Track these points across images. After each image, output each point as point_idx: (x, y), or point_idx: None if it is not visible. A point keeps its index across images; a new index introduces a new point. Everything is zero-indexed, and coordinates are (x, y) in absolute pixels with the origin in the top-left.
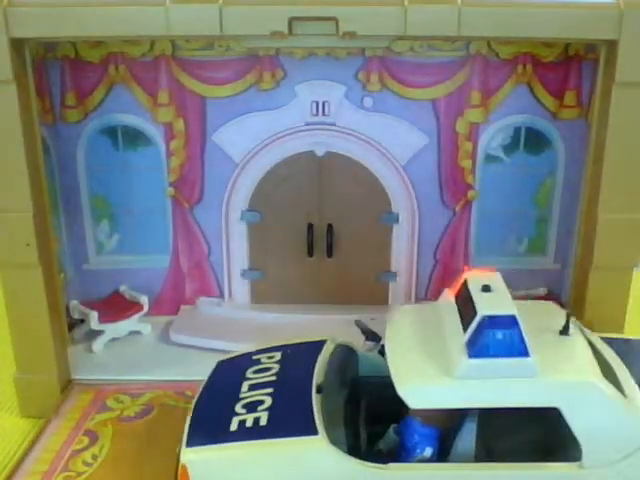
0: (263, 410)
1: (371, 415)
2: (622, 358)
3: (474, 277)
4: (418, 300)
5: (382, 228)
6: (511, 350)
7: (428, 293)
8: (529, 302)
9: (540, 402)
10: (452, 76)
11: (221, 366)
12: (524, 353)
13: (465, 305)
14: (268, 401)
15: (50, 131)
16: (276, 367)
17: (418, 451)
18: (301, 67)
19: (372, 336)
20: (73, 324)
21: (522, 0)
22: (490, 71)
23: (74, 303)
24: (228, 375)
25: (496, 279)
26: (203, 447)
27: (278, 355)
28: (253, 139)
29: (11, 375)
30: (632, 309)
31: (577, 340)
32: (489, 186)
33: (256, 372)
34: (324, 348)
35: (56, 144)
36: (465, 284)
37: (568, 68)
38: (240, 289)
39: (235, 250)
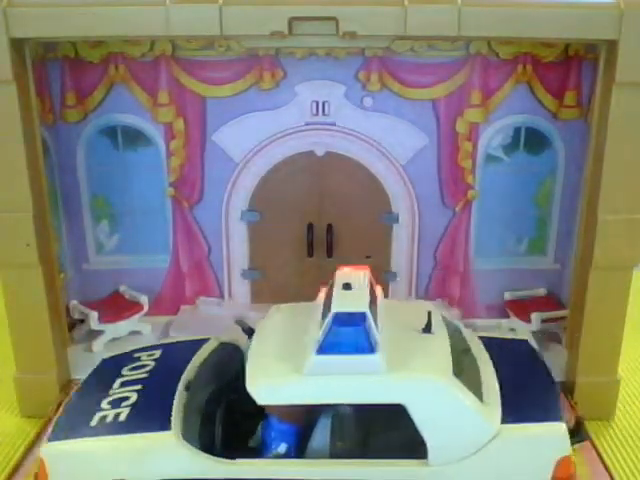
0: (126, 406)
1: (247, 412)
2: (498, 358)
3: (343, 275)
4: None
5: (382, 228)
6: (358, 347)
7: (428, 293)
8: (408, 301)
9: (386, 399)
10: (452, 76)
11: (103, 363)
12: (371, 350)
13: (327, 303)
14: (133, 397)
15: (50, 131)
16: (152, 364)
17: (273, 447)
18: (301, 67)
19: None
20: (73, 324)
21: (522, 0)
22: (490, 71)
23: (74, 303)
24: (105, 372)
25: (363, 277)
26: (61, 442)
27: (158, 353)
28: (253, 139)
29: (11, 375)
30: (632, 309)
31: (437, 339)
32: (489, 186)
33: (131, 369)
34: (204, 346)
35: (56, 144)
36: (332, 282)
37: (568, 68)
38: (240, 289)
39: (235, 250)
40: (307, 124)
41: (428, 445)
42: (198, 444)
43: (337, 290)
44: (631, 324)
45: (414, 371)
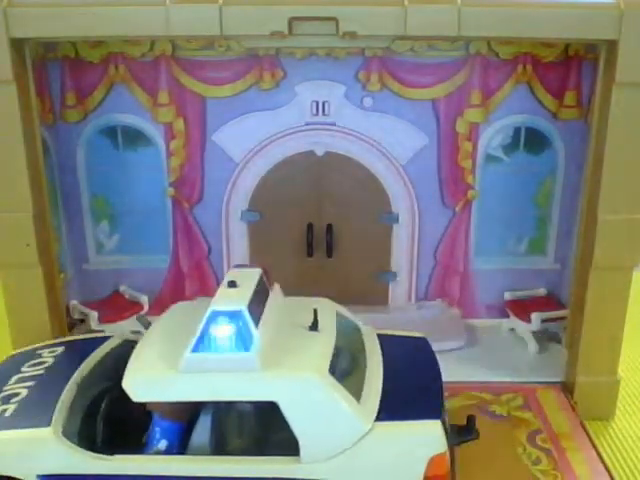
0: (14, 402)
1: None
2: (392, 356)
3: (234, 273)
4: (418, 300)
5: (382, 228)
6: (233, 345)
7: (428, 293)
8: (304, 299)
9: (259, 396)
10: (452, 76)
11: (7, 359)
12: (245, 348)
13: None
14: (23, 393)
15: (50, 131)
16: (50, 361)
17: (154, 443)
18: (301, 67)
19: None
20: (73, 324)
21: (522, 0)
22: (490, 71)
23: (74, 303)
24: (6, 369)
25: (253, 276)
26: None
27: (60, 349)
28: (253, 139)
29: None
30: (632, 309)
31: (322, 337)
32: (489, 186)
33: (31, 366)
34: (105, 343)
35: (56, 144)
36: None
37: (568, 68)
38: None
39: (235, 250)
40: (307, 124)
41: (300, 442)
42: (78, 440)
43: (221, 288)
44: (631, 324)
45: (287, 369)
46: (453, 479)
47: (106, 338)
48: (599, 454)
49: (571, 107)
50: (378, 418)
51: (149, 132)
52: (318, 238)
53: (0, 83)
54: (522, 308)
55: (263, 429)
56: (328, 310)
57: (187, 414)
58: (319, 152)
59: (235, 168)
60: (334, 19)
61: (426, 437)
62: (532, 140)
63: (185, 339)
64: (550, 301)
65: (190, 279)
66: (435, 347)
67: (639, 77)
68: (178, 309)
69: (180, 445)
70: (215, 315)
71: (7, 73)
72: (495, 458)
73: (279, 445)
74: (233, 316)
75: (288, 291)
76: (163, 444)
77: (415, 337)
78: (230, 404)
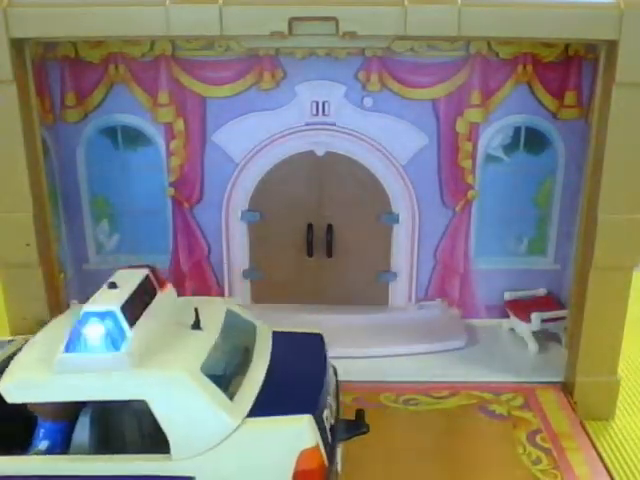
0: None
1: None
2: (283, 353)
3: (119, 274)
4: (418, 300)
5: (382, 228)
6: (104, 345)
7: (428, 293)
8: (197, 298)
9: (129, 395)
10: (452, 76)
11: None
12: (115, 348)
13: None
14: None
15: (50, 131)
16: None
17: (36, 444)
18: (301, 67)
19: None
20: None
21: (522, 0)
22: (490, 71)
23: (74, 303)
24: None
25: (137, 276)
26: None
27: None
28: (253, 139)
29: None
30: (632, 309)
31: (203, 335)
32: (489, 186)
33: None
34: (7, 346)
35: (56, 144)
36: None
37: (568, 68)
38: (240, 289)
39: (235, 250)
40: (307, 124)
41: (170, 439)
42: None
43: (101, 289)
44: (631, 324)
45: (156, 368)
46: (330, 473)
47: (10, 341)
48: (599, 454)
49: (571, 107)
50: (250, 414)
51: (149, 132)
52: (318, 238)
53: (0, 83)
54: (522, 308)
55: (141, 427)
56: (218, 309)
57: (70, 414)
58: (319, 152)
59: (235, 168)
60: (334, 19)
61: (295, 432)
62: (532, 140)
63: (63, 341)
64: (550, 301)
65: (190, 279)
66: (435, 347)
67: (639, 77)
68: (71, 311)
69: (64, 445)
70: (87, 316)
71: (7, 73)
72: (495, 458)
73: (157, 443)
74: (105, 316)
75: (288, 291)
76: (44, 444)
77: (312, 334)
78: (108, 403)
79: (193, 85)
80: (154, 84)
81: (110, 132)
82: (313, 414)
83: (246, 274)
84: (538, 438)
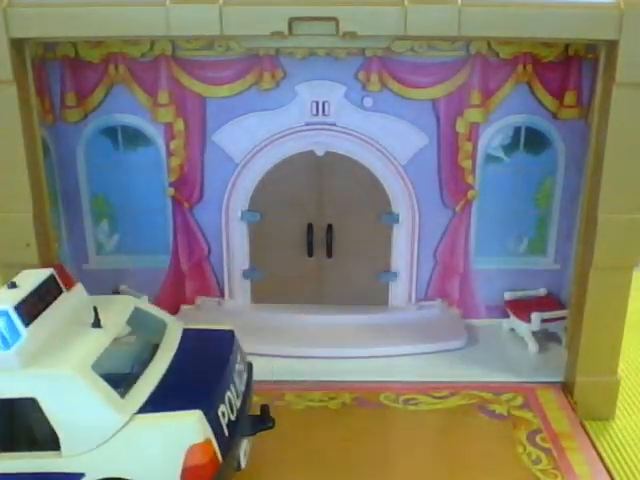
0: None
1: None
2: (190, 350)
3: (22, 274)
4: (418, 300)
5: (382, 228)
6: None
7: (428, 293)
8: (107, 297)
9: (19, 393)
10: (452, 76)
11: None
12: (6, 346)
13: None
14: None
15: (50, 131)
16: None
17: None
18: (301, 67)
19: None
20: None
21: (522, 0)
22: (490, 71)
23: None
24: None
25: (39, 276)
26: None
27: None
28: (253, 139)
29: None
30: (632, 309)
31: (100, 333)
32: (489, 186)
33: None
34: None
35: (56, 144)
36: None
37: (568, 68)
38: (240, 289)
39: (235, 250)
40: (307, 124)
41: (59, 436)
42: None
43: (2, 289)
44: (631, 324)
45: (45, 366)
46: (226, 468)
47: None
48: (599, 454)
49: (571, 107)
50: (140, 411)
51: (149, 132)
52: (318, 238)
53: (0, 83)
54: (522, 308)
55: (34, 425)
56: (123, 307)
57: None
58: (319, 152)
59: (235, 168)
60: (334, 19)
61: (184, 427)
62: (532, 140)
63: None
64: (550, 301)
65: (190, 279)
66: (435, 347)
67: (639, 77)
68: None
69: None
70: None
71: (7, 73)
72: (495, 458)
73: (49, 440)
74: None
75: (288, 291)
76: None
77: (223, 331)
78: (2, 402)
79: (193, 85)
80: (154, 84)
81: (110, 132)
82: (204, 410)
83: (246, 274)
84: (538, 438)
